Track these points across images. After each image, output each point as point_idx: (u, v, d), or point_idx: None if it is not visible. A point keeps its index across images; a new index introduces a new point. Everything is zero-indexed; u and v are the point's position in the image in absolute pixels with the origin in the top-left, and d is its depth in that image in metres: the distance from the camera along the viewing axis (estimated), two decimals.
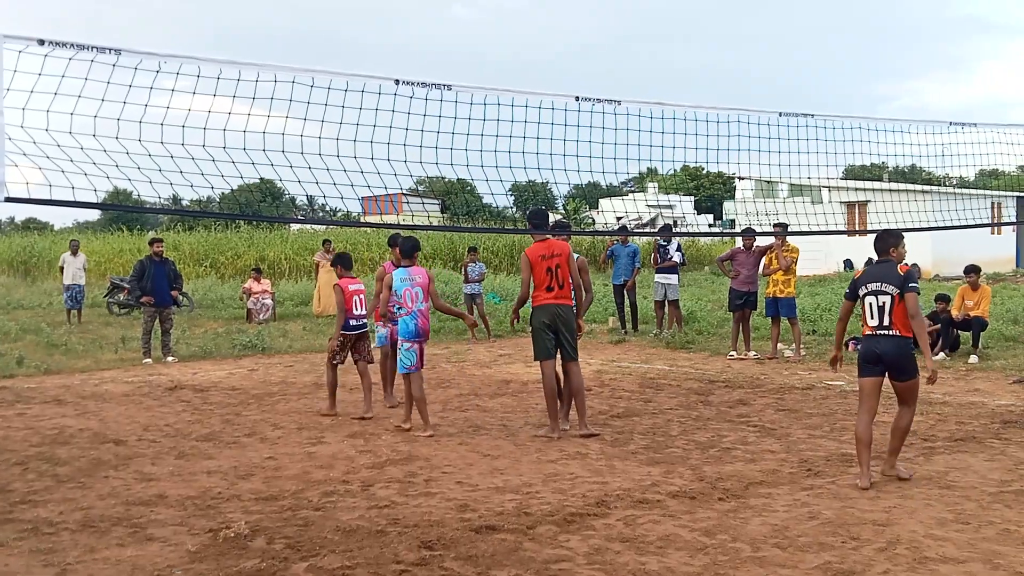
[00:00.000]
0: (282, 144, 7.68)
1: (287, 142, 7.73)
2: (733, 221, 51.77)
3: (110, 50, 6.43)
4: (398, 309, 10.08)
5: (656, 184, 68.88)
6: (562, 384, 9.91)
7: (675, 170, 74.62)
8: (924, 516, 6.62)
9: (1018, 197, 38.55)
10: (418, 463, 8.39)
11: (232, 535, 6.31)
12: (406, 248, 10.15)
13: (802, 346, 15.41)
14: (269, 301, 22.45)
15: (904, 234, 8.08)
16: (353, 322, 11.01)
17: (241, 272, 32.38)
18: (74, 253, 22.53)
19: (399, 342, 10.11)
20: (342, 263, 11.48)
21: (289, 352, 16.84)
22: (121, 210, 50.60)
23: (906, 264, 7.69)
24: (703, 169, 78.61)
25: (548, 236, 9.69)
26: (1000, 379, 12.38)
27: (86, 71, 6.40)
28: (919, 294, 7.52)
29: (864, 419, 7.59)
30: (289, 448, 9.06)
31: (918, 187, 35.90)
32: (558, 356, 9.79)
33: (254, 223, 40.23)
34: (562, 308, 9.62)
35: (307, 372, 14.25)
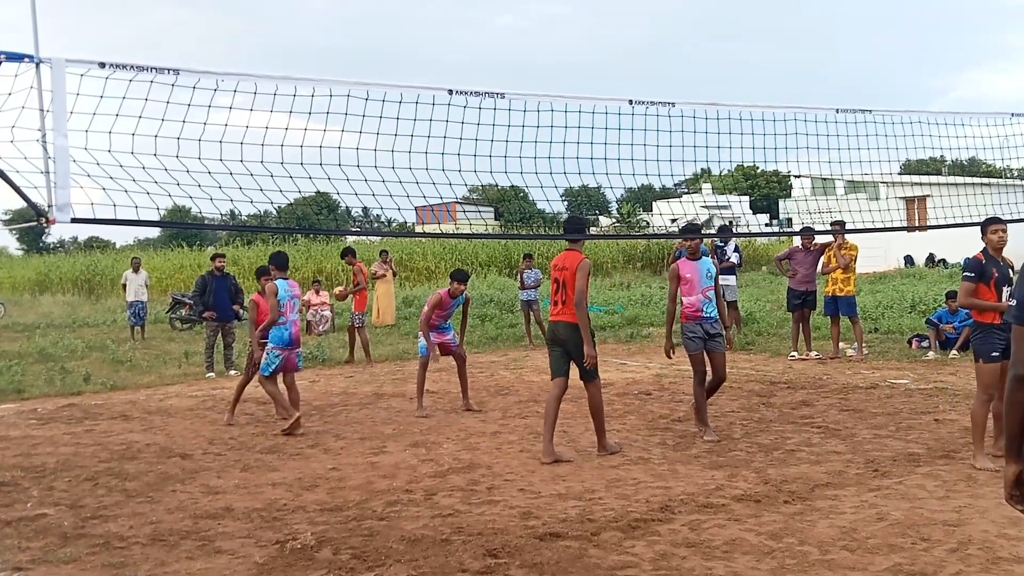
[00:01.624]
0: (338, 157, 7.74)
1: (343, 155, 7.79)
2: (790, 220, 51.31)
3: (168, 70, 6.53)
4: (280, 319, 10.67)
5: (711, 185, 68.49)
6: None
7: (729, 170, 74.19)
8: (996, 515, 6.49)
9: None
10: (480, 471, 8.41)
11: (299, 546, 6.37)
12: (280, 262, 11.02)
13: (864, 344, 15.22)
14: (328, 313, 22.64)
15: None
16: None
17: (300, 285, 32.74)
18: (136, 270, 22.92)
19: (268, 348, 10.74)
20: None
21: (350, 363, 16.96)
22: (183, 227, 51.44)
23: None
24: (758, 168, 78.04)
25: (574, 247, 9.29)
26: None
27: (146, 92, 6.50)
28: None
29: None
30: (352, 458, 9.13)
31: (978, 180, 35.34)
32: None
33: (311, 236, 40.67)
34: (559, 325, 9.10)
35: (367, 382, 14.35)
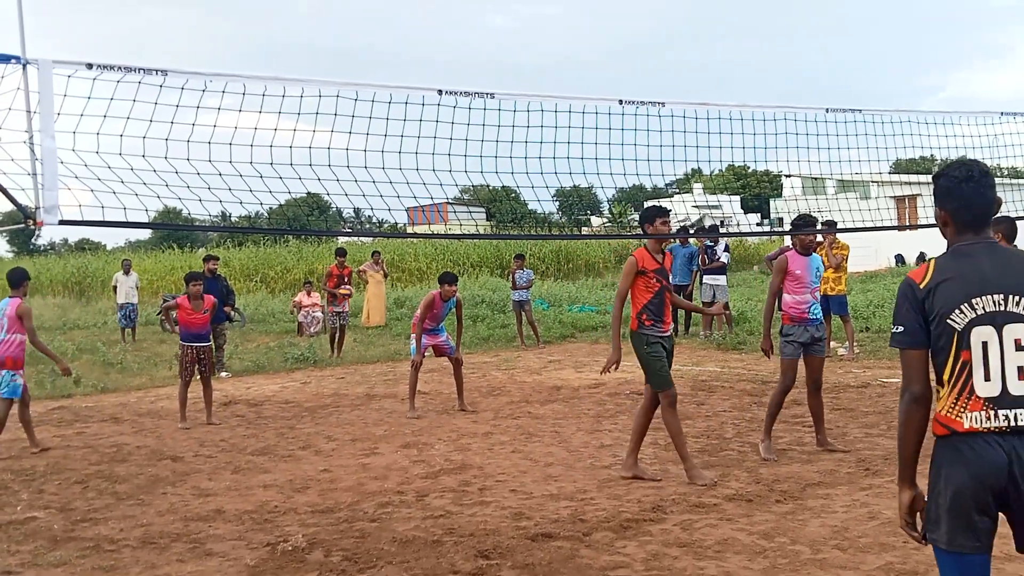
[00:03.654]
0: (328, 158, 7.72)
1: (334, 156, 7.76)
2: (781, 219, 51.39)
3: (156, 71, 6.50)
4: None
5: (702, 184, 68.51)
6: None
7: (720, 170, 74.24)
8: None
9: None
10: (472, 472, 8.40)
11: (290, 548, 6.36)
12: (13, 279, 10.15)
13: (855, 343, 15.23)
14: (319, 314, 22.59)
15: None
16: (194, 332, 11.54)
17: (291, 286, 32.70)
18: (126, 272, 22.85)
19: None
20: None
21: (340, 364, 16.94)
22: (172, 228, 51.33)
23: None
24: (749, 168, 78.11)
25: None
26: None
27: (134, 93, 6.46)
28: None
29: None
30: (343, 460, 9.11)
31: None
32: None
33: (303, 237, 40.61)
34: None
35: (359, 384, 14.32)
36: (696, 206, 56.27)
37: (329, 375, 15.61)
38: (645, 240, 8.35)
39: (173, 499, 7.86)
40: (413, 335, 11.61)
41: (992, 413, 3.28)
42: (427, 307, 11.46)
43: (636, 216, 55.39)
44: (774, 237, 41.83)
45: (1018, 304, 3.31)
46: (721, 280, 17.87)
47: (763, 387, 12.35)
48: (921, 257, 35.43)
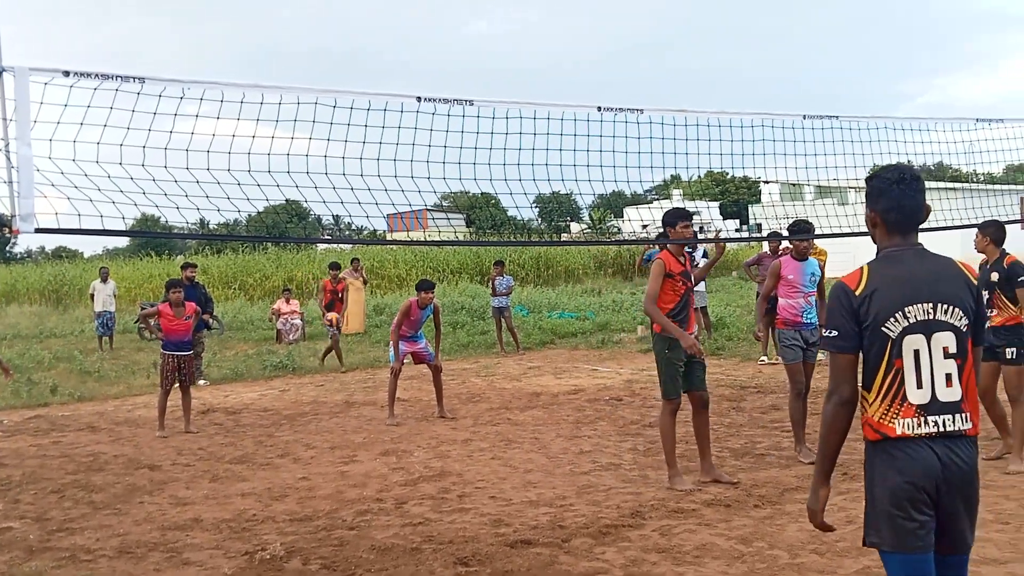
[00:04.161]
0: (306, 165, 7.71)
1: (311, 163, 7.75)
2: (760, 225, 51.55)
3: (134, 79, 6.48)
4: None
5: (681, 191, 68.66)
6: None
7: (699, 176, 74.41)
8: None
9: None
10: (451, 479, 8.39)
11: (268, 557, 6.34)
12: None
13: None
14: (298, 321, 22.54)
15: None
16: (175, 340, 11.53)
17: (269, 293, 32.55)
18: (104, 280, 22.72)
19: None
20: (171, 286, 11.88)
21: (320, 371, 16.89)
22: (148, 236, 51.08)
23: None
24: (727, 174, 78.36)
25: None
26: None
27: (111, 100, 6.44)
28: None
29: None
30: (322, 468, 9.08)
31: (945, 184, 35.64)
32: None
33: (282, 244, 40.48)
34: None
35: (338, 391, 14.28)
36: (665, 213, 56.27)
37: (308, 382, 15.56)
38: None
39: (150, 508, 7.82)
40: (391, 343, 11.59)
41: (923, 420, 3.36)
42: (404, 314, 11.46)
43: (615, 222, 55.51)
44: (752, 243, 41.96)
45: (946, 313, 3.39)
46: (700, 286, 17.92)
47: (741, 392, 12.39)
48: None
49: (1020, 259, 8.22)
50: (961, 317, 3.41)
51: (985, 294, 8.11)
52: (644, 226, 39.84)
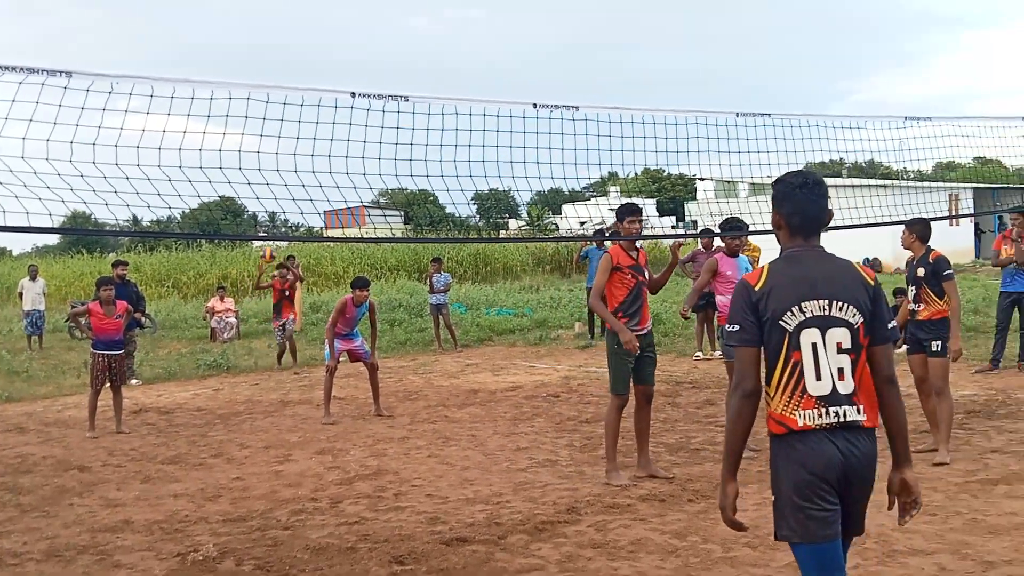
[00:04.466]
0: (239, 161, 7.62)
1: (246, 159, 7.67)
2: (695, 222, 52.07)
3: (61, 72, 6.35)
4: None
5: (618, 188, 69.08)
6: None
7: (636, 173, 74.85)
8: (893, 509, 6.65)
9: (974, 188, 39.08)
10: (387, 477, 8.35)
11: (200, 558, 6.25)
12: None
13: None
14: (233, 320, 22.29)
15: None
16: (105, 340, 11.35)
17: (204, 291, 32.12)
18: (33, 278, 22.24)
19: None
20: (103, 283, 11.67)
21: (254, 371, 16.71)
22: (77, 234, 50.14)
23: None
24: (664, 171, 78.95)
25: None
26: (963, 369, 12.47)
27: (37, 95, 6.31)
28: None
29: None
30: (256, 467, 8.99)
31: (876, 182, 36.31)
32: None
33: (216, 241, 39.97)
34: None
35: (273, 390, 14.14)
36: (612, 209, 56.69)
37: (243, 381, 15.39)
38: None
39: (80, 510, 7.68)
40: (327, 341, 11.49)
41: (824, 410, 3.50)
42: (340, 312, 11.38)
43: (553, 220, 55.67)
44: (689, 240, 42.32)
45: (841, 310, 3.54)
46: None
47: (676, 387, 12.50)
48: None
49: (946, 255, 8.42)
50: (855, 315, 3.55)
51: (912, 289, 8.33)
52: (582, 223, 40.02)
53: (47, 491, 8.36)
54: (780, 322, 3.54)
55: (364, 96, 8.26)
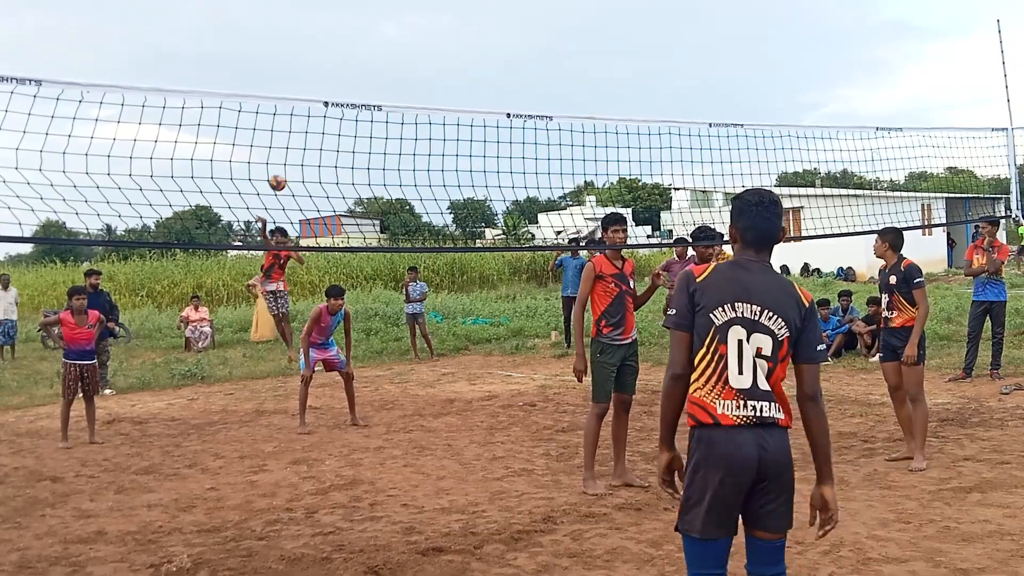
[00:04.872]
0: (211, 170, 7.59)
1: (218, 168, 7.64)
2: (671, 231, 52.23)
3: (30, 81, 6.31)
4: None
5: (594, 197, 69.23)
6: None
7: (612, 183, 75.12)
8: (867, 517, 6.70)
9: (947, 198, 39.41)
10: (363, 487, 8.32)
11: (174, 569, 6.21)
12: None
13: None
14: (207, 329, 22.17)
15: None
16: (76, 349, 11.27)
17: (178, 300, 31.92)
18: (4, 288, 22.04)
19: None
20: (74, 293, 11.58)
21: (229, 380, 16.62)
22: (48, 243, 49.74)
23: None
24: (639, 181, 79.21)
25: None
26: (936, 378, 12.56)
27: (6, 103, 6.26)
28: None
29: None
30: (231, 478, 8.94)
31: (850, 191, 36.54)
32: None
33: (190, 251, 39.75)
34: None
35: (248, 400, 14.06)
36: (588, 218, 56.82)
37: (218, 391, 15.30)
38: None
39: (52, 521, 7.61)
40: (302, 350, 11.44)
41: (743, 403, 3.70)
42: (315, 321, 11.34)
43: (529, 229, 55.72)
44: (664, 249, 42.45)
45: (770, 319, 3.74)
46: None
47: (653, 396, 12.51)
48: (805, 268, 36.43)
49: (919, 264, 8.52)
50: (782, 327, 3.74)
51: (885, 297, 8.40)
52: (558, 232, 40.07)
53: (19, 502, 8.28)
54: (711, 315, 3.76)
55: (337, 105, 8.25)
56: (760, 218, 3.87)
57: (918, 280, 8.32)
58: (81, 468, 9.62)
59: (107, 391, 15.12)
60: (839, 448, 8.88)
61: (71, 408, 11.04)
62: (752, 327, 3.72)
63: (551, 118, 9.38)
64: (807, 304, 3.81)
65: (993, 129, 12.48)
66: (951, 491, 7.29)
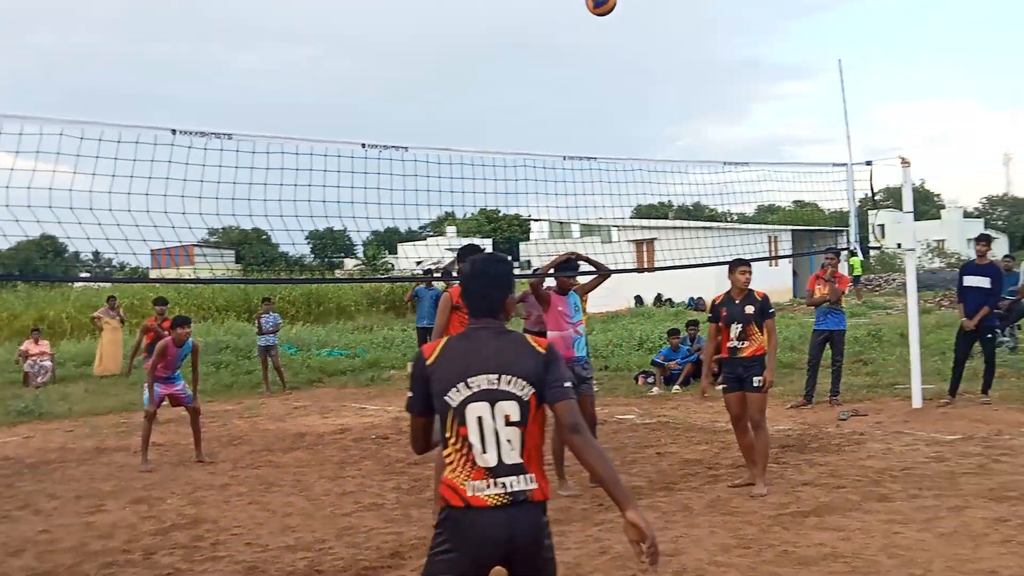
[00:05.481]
0: (49, 199, 7.34)
1: (57, 196, 7.40)
2: (529, 262, 52.76)
3: None
4: None
5: (455, 228, 69.49)
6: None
7: (473, 214, 75.50)
8: (709, 543, 6.83)
9: (792, 230, 40.93)
10: (205, 526, 8.06)
11: None
12: None
13: (594, 382, 15.73)
14: (48, 363, 21.23)
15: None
16: None
17: (18, 333, 30.49)
18: None
19: None
20: None
21: (69, 416, 15.91)
22: None
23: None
24: (499, 212, 79.83)
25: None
26: (778, 405, 12.94)
27: None
28: None
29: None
30: (66, 519, 8.54)
31: (701, 224, 37.62)
32: None
33: (32, 282, 38.17)
34: None
35: (88, 436, 13.50)
36: (450, 248, 56.97)
37: (56, 427, 14.64)
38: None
39: None
40: (146, 384, 11.04)
41: (492, 482, 3.60)
42: (160, 355, 10.97)
43: (389, 259, 55.55)
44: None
45: (510, 383, 3.66)
46: None
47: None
48: (658, 298, 37.26)
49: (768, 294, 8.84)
50: (525, 387, 3.65)
51: (738, 327, 8.58)
52: (418, 262, 39.98)
53: None
54: (445, 397, 3.66)
55: (185, 133, 8.09)
56: (477, 287, 3.87)
57: (771, 311, 8.66)
58: None
59: None
60: (684, 475, 9.07)
61: None
62: (493, 397, 3.63)
63: (407, 149, 9.39)
64: (543, 351, 3.73)
65: (834, 164, 13.04)
66: (790, 516, 7.49)
